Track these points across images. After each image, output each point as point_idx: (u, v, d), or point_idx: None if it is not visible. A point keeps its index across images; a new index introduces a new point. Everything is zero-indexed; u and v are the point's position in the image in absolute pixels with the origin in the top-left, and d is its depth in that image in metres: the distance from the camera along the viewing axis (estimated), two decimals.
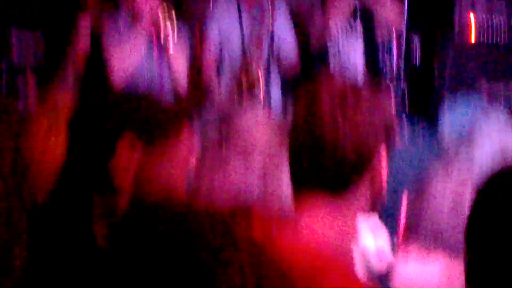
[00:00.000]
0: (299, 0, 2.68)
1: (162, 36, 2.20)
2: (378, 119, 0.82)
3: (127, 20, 2.25)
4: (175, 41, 2.20)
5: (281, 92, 2.50)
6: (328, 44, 2.52)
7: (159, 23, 2.20)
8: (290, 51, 2.49)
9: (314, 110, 0.79)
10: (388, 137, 0.86)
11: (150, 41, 2.25)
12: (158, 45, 2.24)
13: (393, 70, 2.69)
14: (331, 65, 2.53)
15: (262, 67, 2.42)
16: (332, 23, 2.47)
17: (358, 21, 2.53)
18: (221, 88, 2.41)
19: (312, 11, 2.60)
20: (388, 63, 2.70)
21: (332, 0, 2.52)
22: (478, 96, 2.82)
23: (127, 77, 2.22)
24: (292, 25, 2.52)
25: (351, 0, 2.53)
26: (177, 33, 2.22)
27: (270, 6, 2.43)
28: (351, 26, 2.52)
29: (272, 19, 2.42)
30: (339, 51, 2.53)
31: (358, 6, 2.54)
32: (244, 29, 2.45)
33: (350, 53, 2.54)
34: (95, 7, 2.31)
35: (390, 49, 2.67)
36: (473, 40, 2.90)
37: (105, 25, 2.26)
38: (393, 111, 1.93)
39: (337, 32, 2.50)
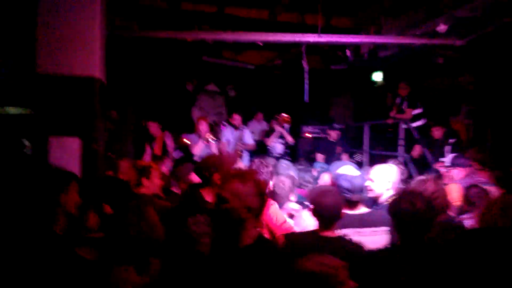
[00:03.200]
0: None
1: (208, 139, 6.51)
2: None
3: (197, 135, 6.54)
4: (213, 141, 6.53)
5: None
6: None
7: (207, 136, 6.52)
8: (250, 143, 7.04)
9: None
10: None
11: (205, 142, 6.55)
12: (207, 143, 6.53)
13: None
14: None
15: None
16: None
17: None
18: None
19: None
20: None
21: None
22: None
23: (198, 154, 6.45)
24: (250, 134, 7.14)
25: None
26: (212, 138, 6.57)
27: (242, 129, 7.02)
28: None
29: (243, 133, 7.01)
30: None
31: None
32: (232, 136, 6.98)
33: None
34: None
35: None
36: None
37: (189, 139, 6.53)
38: None
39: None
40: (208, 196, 2.95)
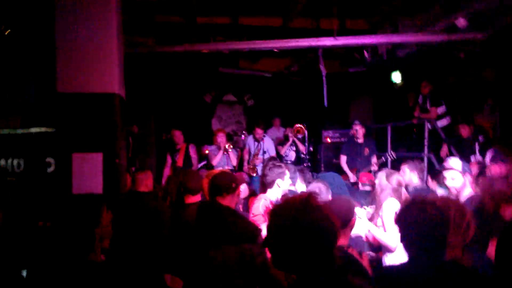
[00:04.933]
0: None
1: (228, 150, 6.51)
2: None
3: (216, 147, 6.55)
4: (232, 151, 6.52)
5: None
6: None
7: (226, 147, 6.52)
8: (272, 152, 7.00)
9: None
10: None
11: (224, 152, 6.54)
12: (226, 154, 6.53)
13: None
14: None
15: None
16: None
17: None
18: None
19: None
20: None
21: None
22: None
23: (218, 164, 6.44)
24: (272, 143, 7.10)
25: None
26: (232, 148, 6.56)
27: (262, 139, 7.00)
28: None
29: (263, 142, 6.98)
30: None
31: None
32: (255, 147, 6.96)
33: None
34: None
35: None
36: None
37: (209, 150, 6.55)
38: None
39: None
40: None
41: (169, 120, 7.95)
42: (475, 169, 4.67)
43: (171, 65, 7.39)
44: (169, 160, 6.58)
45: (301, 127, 7.54)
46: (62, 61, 4.02)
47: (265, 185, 3.55)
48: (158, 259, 2.70)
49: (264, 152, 6.99)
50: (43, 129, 4.12)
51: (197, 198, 3.42)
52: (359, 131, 6.84)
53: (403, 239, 1.88)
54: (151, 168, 6.67)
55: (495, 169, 4.25)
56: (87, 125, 4.09)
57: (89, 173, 4.08)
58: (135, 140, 6.91)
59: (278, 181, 3.46)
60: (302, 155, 7.57)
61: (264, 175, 3.59)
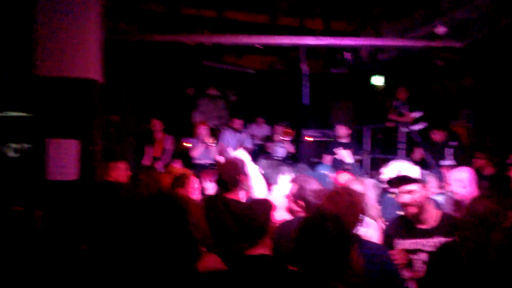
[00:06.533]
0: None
1: (208, 143, 6.52)
2: None
3: (197, 139, 6.55)
4: (212, 144, 6.54)
5: None
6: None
7: (207, 140, 6.53)
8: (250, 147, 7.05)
9: None
10: None
11: (204, 145, 6.55)
12: (206, 147, 6.53)
13: None
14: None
15: None
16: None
17: None
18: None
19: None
20: None
21: None
22: None
23: (197, 157, 6.44)
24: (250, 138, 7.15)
25: None
26: (212, 142, 6.57)
27: (242, 133, 7.03)
28: None
29: (243, 137, 7.02)
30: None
31: None
32: (233, 140, 7.00)
33: None
34: None
35: None
36: None
37: (189, 143, 6.54)
38: None
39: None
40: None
41: (150, 111, 7.89)
42: (446, 173, 4.77)
43: (155, 56, 7.34)
44: (147, 152, 6.53)
45: (291, 131, 7.67)
46: (40, 44, 3.96)
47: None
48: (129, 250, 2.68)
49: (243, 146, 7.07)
50: (19, 113, 4.07)
51: None
52: (343, 131, 6.97)
53: None
54: (129, 158, 6.62)
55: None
56: (64, 111, 4.03)
57: (64, 159, 4.05)
58: (115, 130, 6.84)
59: None
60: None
61: None
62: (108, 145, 6.03)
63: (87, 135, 4.17)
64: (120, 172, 4.22)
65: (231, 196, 2.99)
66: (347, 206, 2.12)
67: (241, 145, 7.16)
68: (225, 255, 2.26)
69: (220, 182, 3.07)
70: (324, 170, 4.83)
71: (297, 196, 2.63)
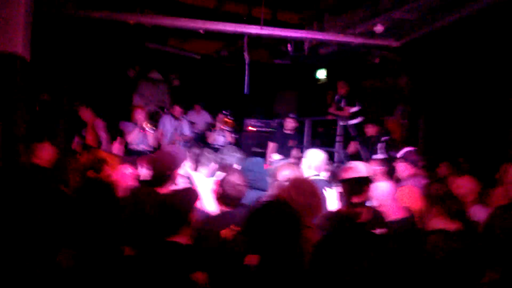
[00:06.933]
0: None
1: (145, 128, 6.31)
2: None
3: (134, 124, 6.31)
4: (150, 130, 6.34)
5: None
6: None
7: (144, 125, 6.32)
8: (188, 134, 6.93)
9: None
10: None
11: (142, 130, 6.34)
12: (144, 132, 6.33)
13: None
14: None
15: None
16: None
17: None
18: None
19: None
20: None
21: None
22: None
23: (133, 142, 6.22)
24: (189, 126, 7.03)
25: None
26: (150, 127, 6.38)
27: (181, 120, 6.90)
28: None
29: (181, 124, 6.89)
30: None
31: None
32: (171, 126, 6.84)
33: None
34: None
35: None
36: None
37: (125, 126, 6.29)
38: None
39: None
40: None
41: (86, 92, 7.50)
42: (377, 167, 4.94)
43: (95, 33, 6.94)
44: (76, 138, 6.15)
45: (229, 120, 7.60)
46: None
47: None
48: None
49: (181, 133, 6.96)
50: None
51: None
52: (291, 124, 7.28)
53: None
54: (60, 140, 6.25)
55: (400, 168, 4.37)
56: None
57: None
58: (45, 110, 6.42)
59: None
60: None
61: None
62: (36, 126, 5.66)
63: (9, 116, 3.88)
64: (46, 153, 3.98)
65: (161, 191, 2.89)
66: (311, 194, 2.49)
67: (180, 132, 7.04)
68: (146, 242, 2.26)
69: (151, 177, 2.96)
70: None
71: (219, 185, 2.68)
